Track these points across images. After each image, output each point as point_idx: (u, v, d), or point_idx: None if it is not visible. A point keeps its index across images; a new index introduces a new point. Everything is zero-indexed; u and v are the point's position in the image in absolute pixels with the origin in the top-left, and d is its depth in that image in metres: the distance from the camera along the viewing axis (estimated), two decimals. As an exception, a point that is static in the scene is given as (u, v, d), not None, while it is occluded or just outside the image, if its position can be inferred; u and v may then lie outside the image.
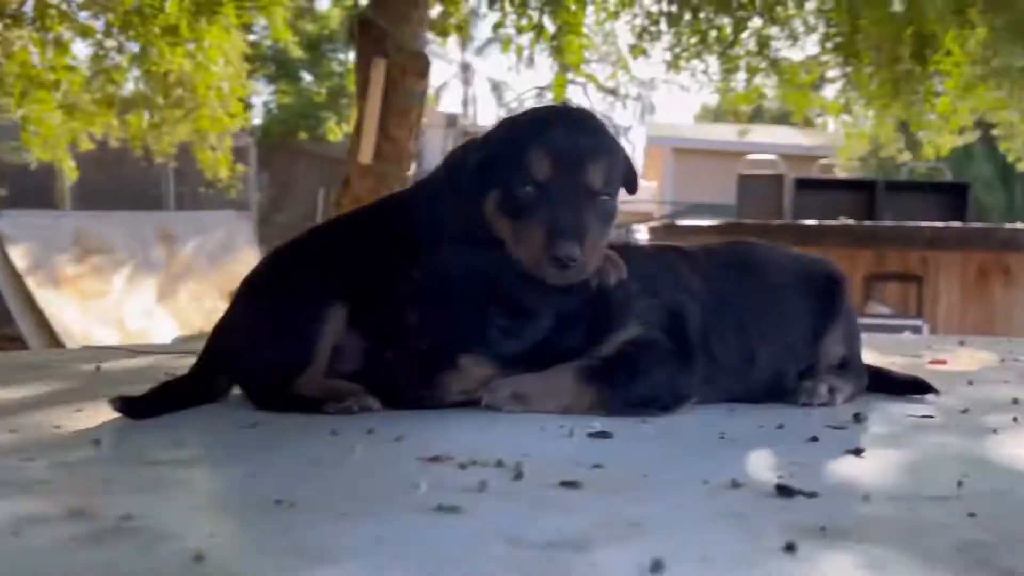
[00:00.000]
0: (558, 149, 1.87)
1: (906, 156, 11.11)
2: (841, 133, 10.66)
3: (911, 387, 2.30)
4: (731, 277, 2.19)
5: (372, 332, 2.05)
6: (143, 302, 11.13)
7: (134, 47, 8.25)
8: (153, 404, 1.90)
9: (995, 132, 9.82)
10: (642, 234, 22.71)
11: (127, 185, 13.25)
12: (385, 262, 2.04)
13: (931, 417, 2.03)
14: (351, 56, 7.55)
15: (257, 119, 20.20)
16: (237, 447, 1.58)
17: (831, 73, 9.88)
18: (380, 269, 2.05)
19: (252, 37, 15.15)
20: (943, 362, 3.25)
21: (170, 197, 13.85)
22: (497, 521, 1.12)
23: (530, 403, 1.87)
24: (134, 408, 1.84)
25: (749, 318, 2.14)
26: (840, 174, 13.20)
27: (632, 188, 2.09)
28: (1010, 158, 10.08)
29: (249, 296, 2.13)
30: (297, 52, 12.38)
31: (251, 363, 2.02)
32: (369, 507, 1.17)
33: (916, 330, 7.80)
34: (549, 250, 1.81)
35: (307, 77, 21.03)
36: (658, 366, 1.92)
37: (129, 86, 9.06)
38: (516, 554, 1.00)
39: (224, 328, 2.13)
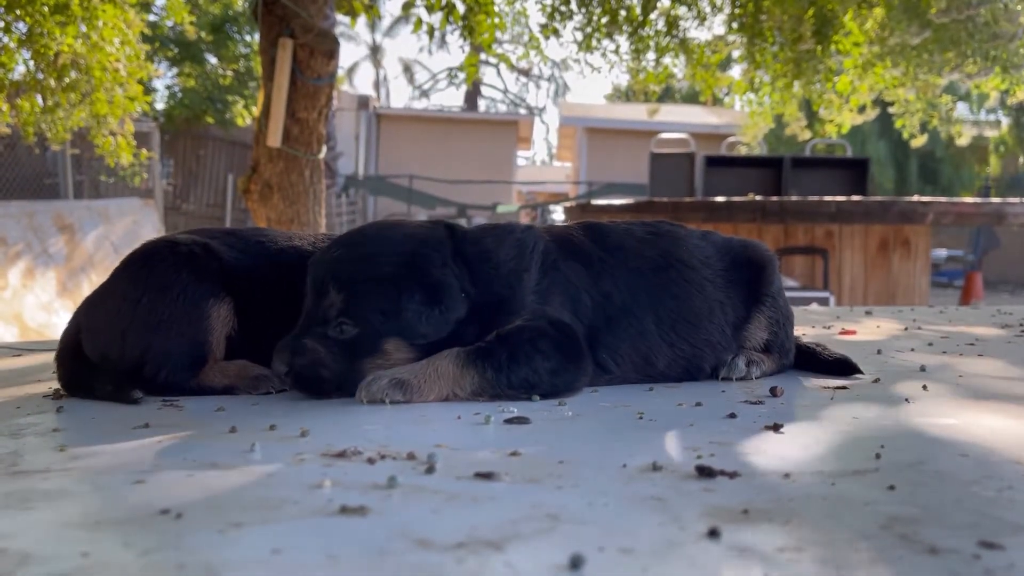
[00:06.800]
0: None
1: (808, 134, 11.38)
2: (748, 112, 10.84)
3: (839, 367, 2.27)
4: (642, 283, 2.10)
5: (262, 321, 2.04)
6: (42, 296, 10.58)
7: (22, 27, 7.75)
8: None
9: (892, 110, 10.13)
10: (558, 214, 22.85)
11: (20, 173, 12.55)
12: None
13: (845, 388, 2.04)
14: (257, 37, 7.30)
15: (160, 104, 19.40)
16: (124, 450, 1.45)
17: (737, 53, 10.03)
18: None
19: (151, 17, 14.50)
20: (852, 332, 3.32)
21: (68, 186, 13.15)
22: (406, 521, 1.04)
23: (411, 391, 1.80)
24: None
25: (656, 325, 2.07)
26: (743, 151, 13.47)
27: None
28: (904, 135, 10.43)
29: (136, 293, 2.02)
30: (194, 33, 11.87)
31: (150, 362, 1.94)
32: (266, 514, 1.07)
33: (823, 302, 8.03)
34: None
35: (212, 60, 20.25)
36: (541, 352, 1.86)
37: (20, 68, 8.52)
38: (425, 558, 0.92)
39: (112, 326, 2.01)
